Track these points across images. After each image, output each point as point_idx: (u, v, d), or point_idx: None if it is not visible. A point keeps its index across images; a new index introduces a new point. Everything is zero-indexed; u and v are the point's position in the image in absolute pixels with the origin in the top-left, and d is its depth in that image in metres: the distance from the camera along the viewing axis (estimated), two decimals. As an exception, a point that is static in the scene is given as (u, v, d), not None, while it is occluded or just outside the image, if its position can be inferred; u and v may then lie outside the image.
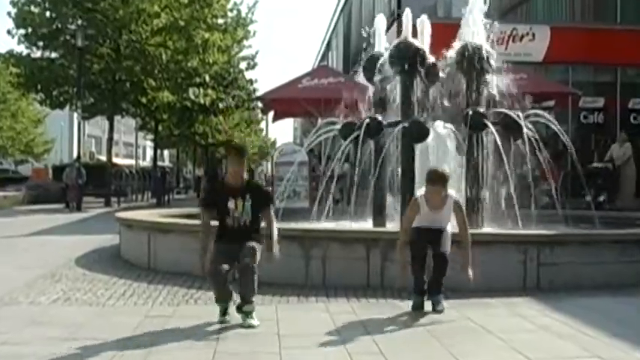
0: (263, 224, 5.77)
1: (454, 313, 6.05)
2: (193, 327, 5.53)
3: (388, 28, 15.19)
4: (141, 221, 9.42)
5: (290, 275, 7.44)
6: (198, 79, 26.37)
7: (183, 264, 8.03)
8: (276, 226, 5.70)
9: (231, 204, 5.61)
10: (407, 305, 6.30)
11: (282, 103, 19.83)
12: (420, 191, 6.38)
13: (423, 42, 9.76)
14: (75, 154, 23.91)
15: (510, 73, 9.53)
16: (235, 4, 27.09)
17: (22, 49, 24.80)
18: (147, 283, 7.69)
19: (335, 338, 5.19)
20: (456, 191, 9.44)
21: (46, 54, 25.07)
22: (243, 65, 31.83)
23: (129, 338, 5.15)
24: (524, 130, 8.97)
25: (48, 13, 24.06)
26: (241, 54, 30.74)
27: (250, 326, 5.44)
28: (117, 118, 30.06)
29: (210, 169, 37.41)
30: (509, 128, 9.07)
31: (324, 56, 45.40)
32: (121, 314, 6.10)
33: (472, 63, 9.27)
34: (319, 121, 15.97)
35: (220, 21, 25.83)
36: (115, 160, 32.60)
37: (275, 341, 5.07)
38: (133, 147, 69.37)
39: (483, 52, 9.33)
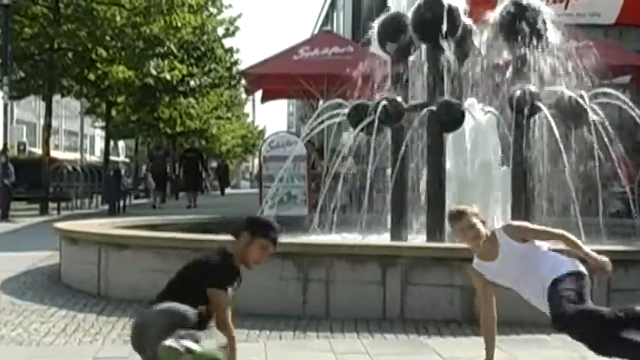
0: None
1: (499, 353, 6.06)
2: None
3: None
4: (89, 233, 9.42)
5: (283, 303, 7.45)
6: (162, 49, 26.36)
7: (143, 289, 8.00)
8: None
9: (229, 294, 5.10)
10: (434, 342, 6.32)
11: (272, 79, 19.84)
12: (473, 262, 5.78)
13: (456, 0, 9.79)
14: (0, 146, 23.91)
15: (572, 39, 9.54)
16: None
17: None
18: (96, 314, 7.70)
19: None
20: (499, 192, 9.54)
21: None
22: (220, 31, 31.82)
23: (72, 386, 5.16)
24: (590, 114, 8.98)
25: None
26: (219, 16, 30.73)
27: None
28: (56, 98, 30.05)
29: (158, 164, 36.65)
30: (570, 112, 9.08)
31: (327, 19, 45.45)
32: (62, 356, 6.11)
33: (520, 27, 9.29)
34: (321, 103, 15.99)
35: (191, -29, 25.85)
36: (54, 153, 32.59)
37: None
38: (77, 137, 69.42)
39: (536, 12, 9.35)
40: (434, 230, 9.19)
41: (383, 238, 9.57)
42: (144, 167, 45.70)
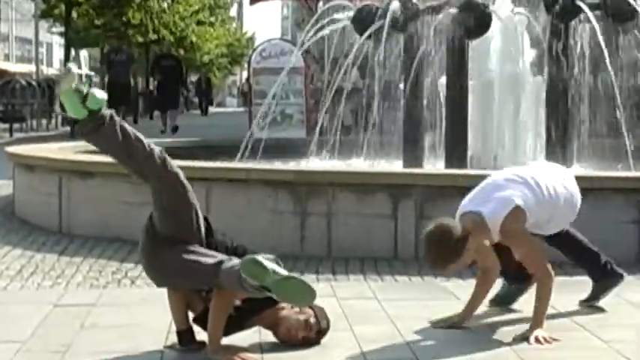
0: None
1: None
2: (129, 322, 5.55)
3: None
4: (47, 159, 9.41)
5: (278, 240, 7.43)
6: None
7: (112, 225, 8.05)
8: None
9: None
10: (454, 286, 6.33)
11: (262, -24, 19.67)
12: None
13: None
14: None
15: None
16: None
17: None
18: (57, 254, 7.72)
19: (346, 338, 5.22)
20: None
21: None
22: None
23: (30, 339, 5.17)
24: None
25: None
26: None
27: None
28: None
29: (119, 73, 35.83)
30: (618, 13, 8.99)
31: None
32: (17, 303, 6.13)
33: None
34: (320, 5, 15.86)
35: None
36: (3, 65, 32.43)
37: (254, 341, 5.10)
38: (31, 45, 69.07)
39: None
40: (454, 155, 9.17)
41: (394, 165, 9.56)
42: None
